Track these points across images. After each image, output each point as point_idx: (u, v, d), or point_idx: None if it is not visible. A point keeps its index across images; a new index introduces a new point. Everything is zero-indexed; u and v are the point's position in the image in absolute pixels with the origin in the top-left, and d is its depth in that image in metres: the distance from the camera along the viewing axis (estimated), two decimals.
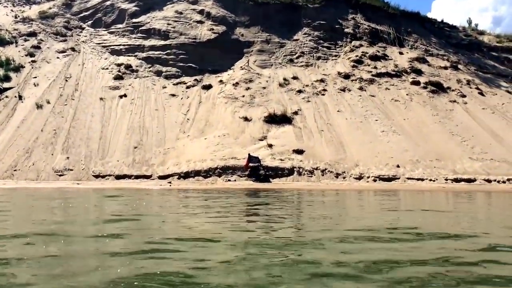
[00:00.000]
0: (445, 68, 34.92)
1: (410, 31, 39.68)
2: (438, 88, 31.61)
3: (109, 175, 23.35)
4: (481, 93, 31.57)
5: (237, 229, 6.78)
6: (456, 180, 21.66)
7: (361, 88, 31.40)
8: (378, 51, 36.14)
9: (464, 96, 30.91)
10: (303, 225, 7.58)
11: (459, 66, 35.61)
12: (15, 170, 23.57)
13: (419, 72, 33.64)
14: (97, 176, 23.31)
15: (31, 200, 12.60)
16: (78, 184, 21.50)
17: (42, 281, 3.53)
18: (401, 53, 36.51)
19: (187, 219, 8.24)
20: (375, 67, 33.99)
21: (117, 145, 25.75)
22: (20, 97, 30.05)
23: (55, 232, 6.12)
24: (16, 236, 5.80)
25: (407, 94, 30.89)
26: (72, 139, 26.08)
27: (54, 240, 5.44)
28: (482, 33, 43.64)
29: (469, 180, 21.65)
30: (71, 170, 23.68)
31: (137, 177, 23.19)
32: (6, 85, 31.30)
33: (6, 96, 30.23)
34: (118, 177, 23.21)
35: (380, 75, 33.06)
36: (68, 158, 24.50)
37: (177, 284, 3.55)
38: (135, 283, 3.54)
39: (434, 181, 21.65)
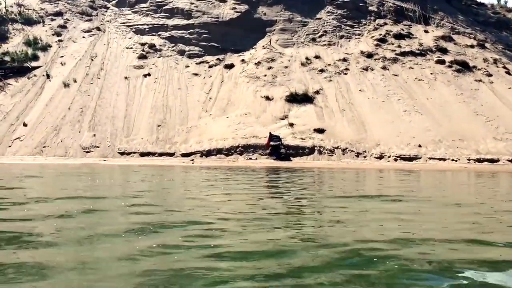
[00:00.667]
0: (472, 46, 34.10)
1: (436, 8, 38.74)
2: (463, 67, 30.95)
3: (134, 152, 23.91)
4: (508, 72, 30.79)
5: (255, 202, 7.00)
6: (479, 160, 21.42)
7: (384, 67, 31.01)
8: (403, 30, 35.49)
9: (490, 75, 30.21)
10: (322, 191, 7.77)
11: (486, 45, 34.72)
12: (44, 147, 24.33)
13: (444, 51, 32.96)
14: (122, 153, 23.90)
15: (62, 174, 13.12)
16: (104, 160, 22.11)
17: (75, 231, 3.93)
18: (426, 31, 35.76)
19: (205, 192, 8.50)
20: (399, 46, 33.45)
21: (141, 123, 26.25)
22: (48, 76, 30.76)
23: (86, 196, 6.56)
24: (54, 199, 6.30)
25: (431, 73, 30.38)
26: (98, 117, 26.68)
27: (85, 202, 5.84)
28: (511, 10, 42.26)
29: (492, 161, 21.38)
30: (98, 147, 24.32)
31: (160, 154, 23.68)
32: (34, 64, 32.07)
33: (35, 75, 31.00)
34: (142, 154, 23.76)
35: (404, 54, 32.54)
36: (94, 135, 25.14)
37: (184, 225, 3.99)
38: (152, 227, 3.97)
39: (456, 161, 21.46)
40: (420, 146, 22.69)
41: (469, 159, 21.53)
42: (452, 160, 21.56)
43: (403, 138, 23.41)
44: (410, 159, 21.86)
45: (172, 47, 34.71)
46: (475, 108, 26.31)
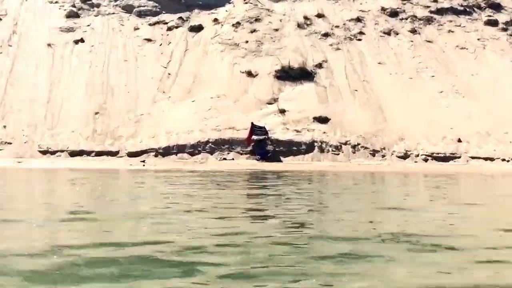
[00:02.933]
0: None
1: None
2: None
3: (61, 151, 24.26)
4: None
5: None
6: None
7: (413, 31, 31.75)
8: None
9: None
10: None
11: None
12: None
13: (497, 8, 33.74)
14: (45, 152, 24.23)
15: None
16: (19, 162, 22.43)
17: None
18: None
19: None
20: (435, 1, 34.15)
21: (72, 110, 26.55)
22: None
23: None
24: None
25: (478, 39, 31.19)
26: (9, 101, 26.91)
27: None
28: None
29: None
30: (9, 143, 24.59)
31: (99, 153, 24.10)
32: None
33: None
34: (73, 153, 24.13)
35: (441, 11, 33.27)
36: (4, 127, 25.40)
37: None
38: None
39: (508, 161, 22.28)
40: (459, 140, 23.49)
41: None
42: (503, 160, 22.39)
43: (436, 130, 24.17)
44: (446, 158, 22.66)
45: (115, 1, 34.97)
46: None
